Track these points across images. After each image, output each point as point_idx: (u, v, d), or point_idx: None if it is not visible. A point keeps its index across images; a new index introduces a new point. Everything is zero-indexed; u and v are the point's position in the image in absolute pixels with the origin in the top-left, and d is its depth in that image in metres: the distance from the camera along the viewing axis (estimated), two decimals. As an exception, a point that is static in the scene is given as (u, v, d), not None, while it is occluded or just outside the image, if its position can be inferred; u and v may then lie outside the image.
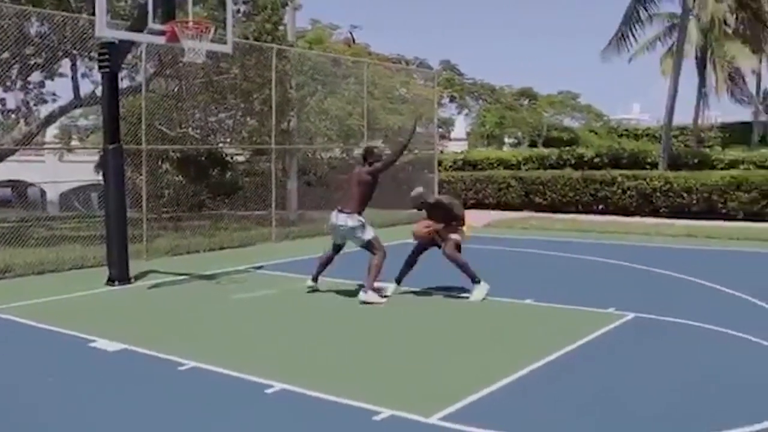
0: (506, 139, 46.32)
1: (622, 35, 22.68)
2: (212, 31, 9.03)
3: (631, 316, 7.20)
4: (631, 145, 26.95)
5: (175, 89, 15.56)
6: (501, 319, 7.45)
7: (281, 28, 16.52)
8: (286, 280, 9.68)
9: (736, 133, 41.50)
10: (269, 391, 5.00)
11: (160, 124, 15.53)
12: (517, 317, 7.53)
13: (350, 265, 9.58)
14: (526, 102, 41.15)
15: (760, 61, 28.17)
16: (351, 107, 18.23)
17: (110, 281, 9.31)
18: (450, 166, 22.82)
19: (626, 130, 46.82)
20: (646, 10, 22.20)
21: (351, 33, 25.97)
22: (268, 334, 6.85)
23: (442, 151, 26.18)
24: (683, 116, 37.72)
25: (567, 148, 24.47)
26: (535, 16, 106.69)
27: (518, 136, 44.57)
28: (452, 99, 28.64)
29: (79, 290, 8.89)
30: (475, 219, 17.80)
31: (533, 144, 39.66)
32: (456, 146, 35.82)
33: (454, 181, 21.43)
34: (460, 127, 38.25)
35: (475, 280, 8.33)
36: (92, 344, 6.27)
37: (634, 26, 22.13)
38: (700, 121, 40.58)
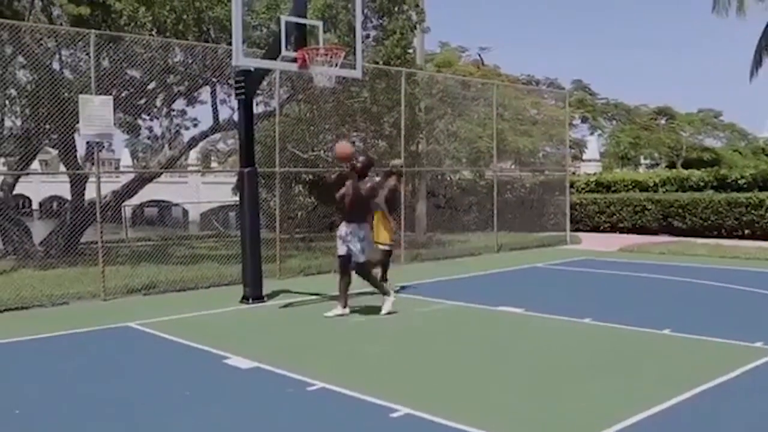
0: (642, 160, 44.65)
1: (760, 57, 21.47)
2: (342, 56, 9.23)
3: (775, 346, 6.68)
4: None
5: (307, 113, 16.00)
6: (637, 349, 7.07)
7: (410, 51, 16.71)
8: (412, 302, 9.66)
9: None
10: (394, 415, 4.96)
11: (293, 147, 16.05)
12: (653, 348, 7.13)
13: (478, 290, 9.50)
14: (663, 121, 39.53)
15: None
16: (480, 129, 18.13)
17: (244, 299, 9.64)
18: (583, 188, 22.19)
19: (775, 148, 44.16)
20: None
21: (480, 55, 25.89)
22: (395, 357, 6.83)
23: (574, 173, 25.56)
24: None
25: (709, 169, 23.20)
26: (673, 31, 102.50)
27: (654, 157, 42.83)
28: (584, 120, 27.86)
29: (215, 307, 9.26)
30: (609, 243, 17.29)
31: (671, 165, 37.99)
32: (590, 167, 34.87)
33: (587, 203, 20.81)
34: (594, 148, 37.18)
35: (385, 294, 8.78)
36: (226, 360, 6.48)
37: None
38: None
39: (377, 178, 9.03)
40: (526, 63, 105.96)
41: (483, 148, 17.63)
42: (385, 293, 8.74)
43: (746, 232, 17.82)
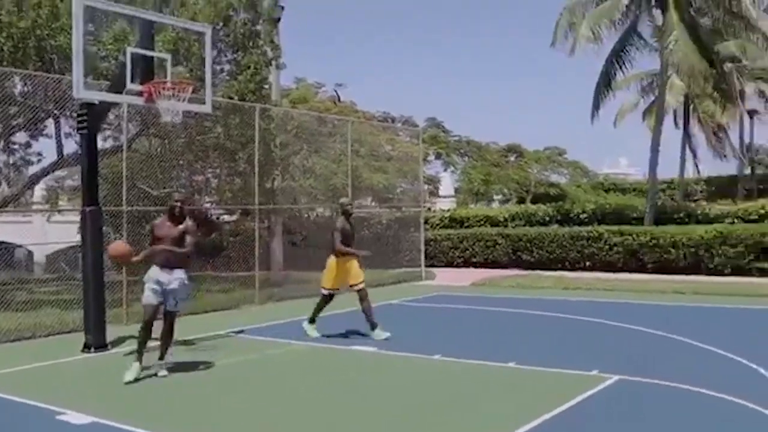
0: (495, 196, 46.44)
1: (601, 96, 22.70)
2: (189, 90, 9.02)
3: (615, 378, 7.03)
4: (618, 200, 26.97)
5: (158, 149, 15.51)
6: (483, 384, 7.25)
7: (266, 87, 16.63)
8: (264, 344, 9.48)
9: (723, 187, 41.84)
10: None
11: (142, 184, 15.48)
12: (498, 381, 7.34)
13: (333, 330, 9.47)
14: (513, 158, 41.37)
15: (741, 118, 28.46)
16: (335, 166, 18.23)
17: (86, 348, 9.07)
18: (437, 224, 22.78)
19: (614, 184, 47.10)
20: (622, 72, 22.36)
21: (336, 91, 26.19)
22: (243, 405, 6.62)
23: (429, 209, 26.19)
24: (672, 170, 37.98)
25: (554, 204, 24.46)
26: (524, 73, 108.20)
27: (505, 193, 44.72)
28: (438, 156, 28.77)
29: (53, 358, 8.66)
30: (462, 278, 17.77)
31: (521, 200, 39.72)
32: (445, 203, 35.87)
33: (441, 239, 21.35)
34: (448, 184, 38.32)
35: None
36: (60, 417, 6.05)
37: (607, 90, 22.24)
38: (686, 175, 41.02)
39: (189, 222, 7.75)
40: (383, 100, 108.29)
41: (339, 184, 17.72)
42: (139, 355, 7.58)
43: (587, 263, 18.86)
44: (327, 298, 9.92)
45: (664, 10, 20.11)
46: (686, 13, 20.24)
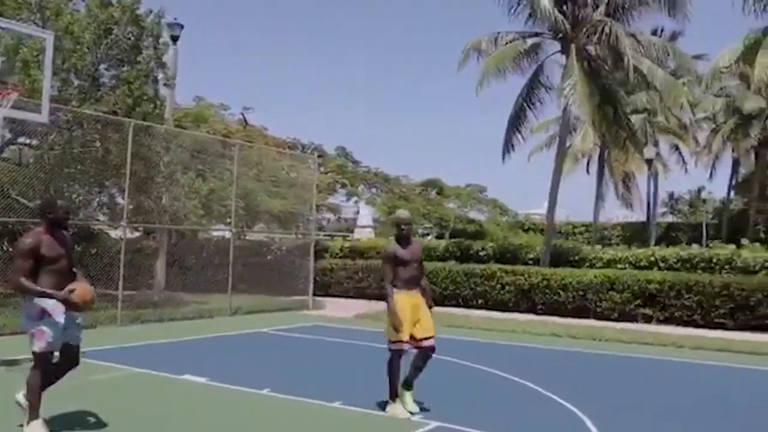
0: (419, 230, 46.47)
1: (512, 137, 22.65)
2: (13, 96, 8.46)
3: (433, 425, 6.69)
4: (520, 239, 27.15)
5: (31, 159, 14.78)
6: (293, 422, 6.82)
7: (157, 103, 16.13)
8: (94, 368, 8.85)
9: (636, 232, 42.87)
10: None
11: (17, 194, 14.69)
12: (313, 421, 6.92)
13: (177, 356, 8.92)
14: (434, 193, 41.48)
15: (649, 168, 29.10)
16: (230, 188, 17.72)
17: None
18: (337, 254, 22.41)
19: (533, 224, 47.77)
20: (533, 113, 22.46)
21: (243, 114, 25.77)
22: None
23: (332, 238, 25.85)
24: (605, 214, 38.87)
25: (456, 240, 24.38)
26: (448, 107, 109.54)
27: (426, 227, 44.79)
28: (343, 185, 28.55)
29: None
30: (350, 309, 17.39)
31: (441, 235, 39.77)
32: (364, 233, 35.61)
33: (338, 268, 20.97)
34: (366, 214, 38.09)
35: None
36: None
37: (517, 131, 22.24)
38: (601, 219, 41.88)
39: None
40: (296, 126, 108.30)
41: (228, 206, 17.20)
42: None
43: (480, 301, 18.71)
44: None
45: (567, 55, 20.38)
46: (586, 61, 20.54)
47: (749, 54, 25.49)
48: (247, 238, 22.46)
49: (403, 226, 7.13)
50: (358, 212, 38.80)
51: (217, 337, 12.38)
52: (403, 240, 7.11)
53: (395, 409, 6.97)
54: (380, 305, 18.23)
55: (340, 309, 17.59)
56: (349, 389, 8.18)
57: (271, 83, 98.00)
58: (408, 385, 7.15)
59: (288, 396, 7.68)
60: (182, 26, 17.90)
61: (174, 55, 17.68)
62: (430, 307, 7.26)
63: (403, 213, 7.44)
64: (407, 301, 6.98)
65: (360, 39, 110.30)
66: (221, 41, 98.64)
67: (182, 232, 18.48)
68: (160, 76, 16.05)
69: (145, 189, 14.96)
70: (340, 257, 22.24)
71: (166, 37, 16.75)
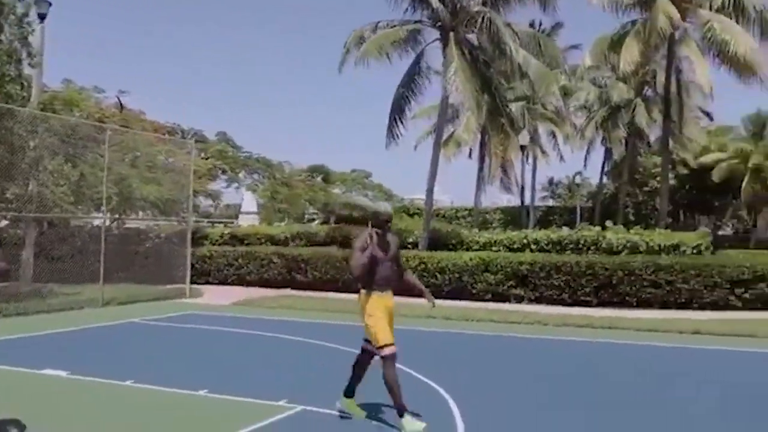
0: (314, 215, 46.40)
1: (395, 124, 22.83)
2: None
3: (298, 408, 6.76)
4: (402, 223, 27.50)
5: None
6: (156, 412, 6.73)
7: (20, 85, 15.35)
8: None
9: (516, 217, 44.42)
10: None
11: None
12: (176, 410, 6.84)
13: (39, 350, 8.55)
14: (319, 179, 41.52)
15: (524, 153, 30.18)
16: (102, 174, 17.08)
17: None
18: (217, 241, 22.08)
19: (419, 209, 48.63)
20: (415, 100, 22.74)
21: (119, 98, 24.90)
22: None
23: (213, 224, 25.43)
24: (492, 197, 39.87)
25: (338, 225, 24.50)
26: (336, 94, 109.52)
27: (310, 213, 44.82)
28: (224, 172, 28.12)
29: None
30: (229, 296, 17.20)
31: (326, 221, 39.87)
32: (248, 220, 35.15)
33: (217, 255, 20.66)
34: (250, 200, 37.64)
35: None
36: None
37: (400, 118, 22.49)
38: (485, 204, 43.19)
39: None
40: (178, 112, 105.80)
41: (105, 194, 16.55)
42: None
43: (359, 285, 18.84)
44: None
45: (447, 44, 20.78)
46: (466, 50, 21.02)
47: (617, 47, 26.88)
48: (124, 226, 21.78)
49: (387, 222, 6.38)
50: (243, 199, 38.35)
51: (85, 329, 11.98)
52: (381, 237, 6.33)
53: (413, 425, 5.95)
54: (260, 292, 18.20)
55: (218, 296, 17.37)
56: (217, 377, 8.13)
57: (152, 68, 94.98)
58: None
59: (152, 386, 7.55)
60: (50, 3, 17.05)
61: (41, 34, 16.86)
62: (432, 303, 6.74)
63: (383, 206, 6.73)
64: (381, 303, 6.34)
65: (244, 24, 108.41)
66: (98, 23, 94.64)
67: (51, 221, 17.69)
68: (24, 55, 15.24)
69: (9, 175, 14.22)
70: (220, 244, 21.92)
71: (32, 15, 15.98)
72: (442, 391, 7.65)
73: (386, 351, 6.21)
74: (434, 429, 6.05)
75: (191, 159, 18.70)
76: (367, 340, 6.49)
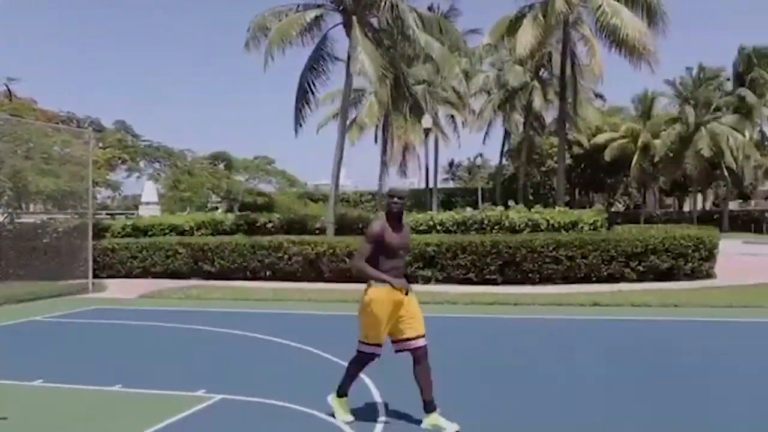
0: (217, 204, 45.50)
1: (300, 109, 22.77)
2: None
3: (218, 398, 6.74)
4: (309, 209, 27.59)
5: None
6: (70, 410, 6.58)
7: None
8: None
9: (420, 199, 45.15)
10: None
11: None
12: (92, 406, 6.70)
13: None
14: (222, 166, 40.75)
15: (426, 136, 30.61)
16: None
17: None
18: (119, 233, 21.46)
19: (323, 194, 48.59)
20: (316, 85, 22.70)
21: (7, 86, 23.71)
22: None
23: (113, 217, 24.68)
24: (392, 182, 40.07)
25: (241, 213, 24.25)
26: (237, 81, 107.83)
27: (213, 200, 44.04)
28: (123, 161, 27.30)
29: None
30: (135, 289, 16.80)
31: (230, 209, 39.29)
32: (149, 210, 34.19)
33: (119, 248, 20.09)
34: (151, 190, 36.64)
35: None
36: None
37: (305, 103, 22.48)
38: (384, 188, 43.61)
39: None
40: (72, 100, 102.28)
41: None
42: None
43: (268, 273, 18.79)
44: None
45: (350, 27, 20.83)
46: (370, 33, 21.14)
47: (514, 31, 27.60)
48: (19, 221, 20.87)
49: (396, 199, 5.66)
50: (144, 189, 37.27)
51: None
52: (395, 219, 5.69)
53: (338, 412, 6.00)
54: (166, 283, 17.84)
55: (123, 290, 16.94)
56: (130, 372, 8.01)
57: (43, 51, 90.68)
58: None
59: (63, 385, 7.37)
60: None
61: None
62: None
63: (398, 185, 5.93)
64: (388, 299, 5.66)
65: (143, 12, 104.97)
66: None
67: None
68: None
69: None
70: (123, 236, 21.31)
71: None
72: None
73: (366, 348, 5.92)
74: (356, 401, 6.19)
75: (90, 149, 18.05)
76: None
